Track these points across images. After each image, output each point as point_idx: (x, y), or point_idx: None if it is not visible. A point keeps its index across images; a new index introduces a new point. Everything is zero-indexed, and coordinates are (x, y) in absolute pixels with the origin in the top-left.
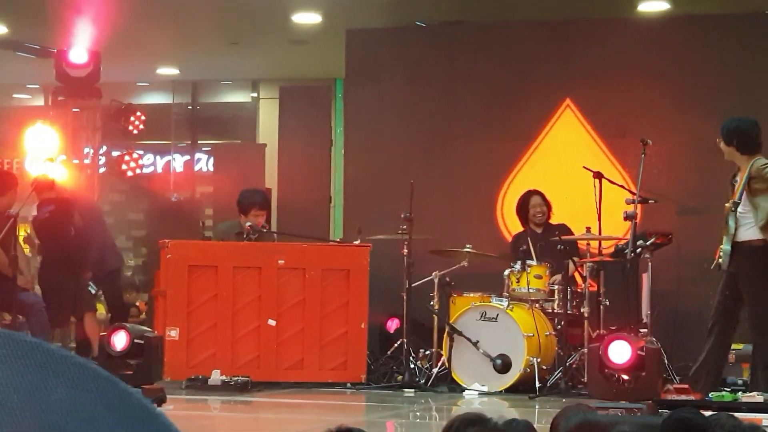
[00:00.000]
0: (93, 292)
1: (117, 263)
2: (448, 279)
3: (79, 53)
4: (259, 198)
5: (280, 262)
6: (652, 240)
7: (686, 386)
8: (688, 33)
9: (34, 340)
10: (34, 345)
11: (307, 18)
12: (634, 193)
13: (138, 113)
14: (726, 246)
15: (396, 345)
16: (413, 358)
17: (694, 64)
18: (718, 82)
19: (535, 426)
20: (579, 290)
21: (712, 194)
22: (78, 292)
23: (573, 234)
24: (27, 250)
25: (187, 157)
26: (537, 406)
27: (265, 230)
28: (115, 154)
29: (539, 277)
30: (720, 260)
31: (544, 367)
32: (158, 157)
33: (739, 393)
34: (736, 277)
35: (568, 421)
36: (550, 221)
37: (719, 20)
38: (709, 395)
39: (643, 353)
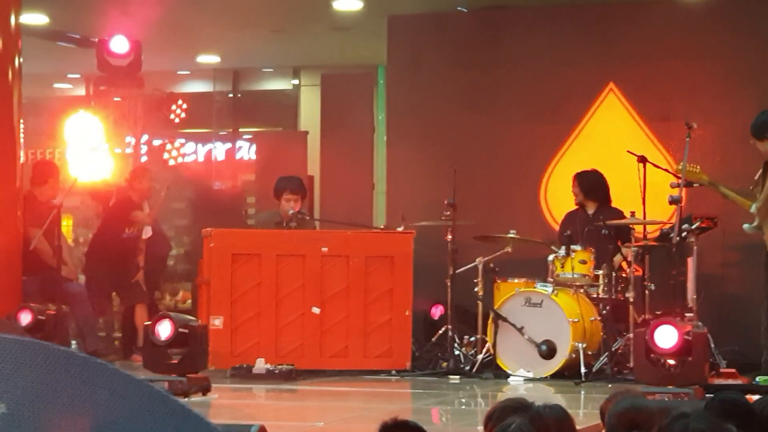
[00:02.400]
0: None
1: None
2: (492, 265)
3: (120, 42)
4: (290, 183)
5: (323, 249)
6: (698, 224)
7: (733, 371)
8: (731, 14)
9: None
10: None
11: (348, 4)
12: (678, 177)
13: (179, 102)
14: None
15: (441, 332)
16: (458, 344)
17: (737, 46)
18: (763, 64)
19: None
20: (624, 275)
21: None
22: (124, 282)
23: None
24: (70, 239)
25: (229, 146)
26: (583, 392)
27: (305, 217)
28: (156, 143)
29: (584, 262)
30: None
31: (590, 353)
32: (200, 146)
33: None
34: None
35: (616, 406)
36: (610, 204)
37: (763, 1)
38: (756, 379)
39: (690, 338)
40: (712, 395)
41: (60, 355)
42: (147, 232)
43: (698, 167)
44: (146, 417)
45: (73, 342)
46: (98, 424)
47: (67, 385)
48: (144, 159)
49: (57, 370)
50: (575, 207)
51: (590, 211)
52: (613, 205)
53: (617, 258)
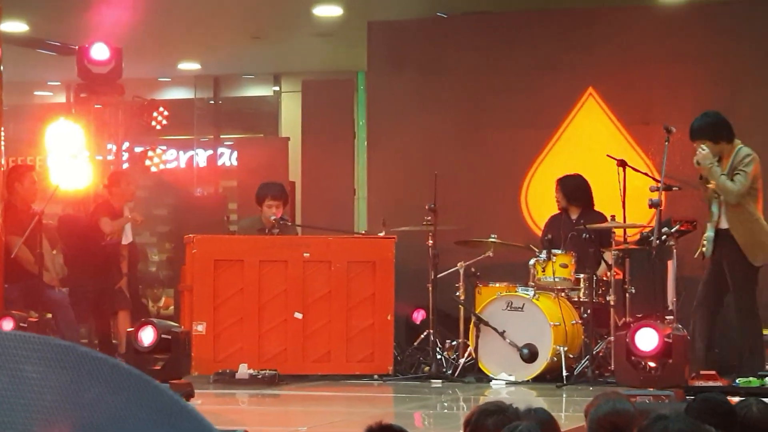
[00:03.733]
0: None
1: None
2: (473, 269)
3: (100, 50)
4: (272, 189)
5: (305, 255)
6: (677, 227)
7: (713, 373)
8: (710, 19)
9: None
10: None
11: (328, 11)
12: (658, 181)
13: (161, 109)
14: (710, 233)
15: (422, 336)
16: (440, 348)
17: (716, 50)
18: (741, 68)
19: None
20: (605, 279)
21: None
22: (108, 290)
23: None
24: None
25: (210, 152)
26: (564, 395)
27: (287, 223)
28: (138, 150)
29: (565, 266)
30: (704, 249)
31: (571, 356)
32: (181, 153)
33: (767, 378)
34: (720, 265)
35: (598, 409)
36: (593, 208)
37: (742, 6)
38: (737, 381)
39: (670, 340)
40: (692, 397)
41: (57, 347)
42: (127, 238)
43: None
44: (143, 408)
45: None
46: (93, 414)
47: (63, 377)
48: (125, 166)
49: (54, 361)
50: (558, 211)
51: (574, 215)
52: (597, 209)
53: (600, 269)
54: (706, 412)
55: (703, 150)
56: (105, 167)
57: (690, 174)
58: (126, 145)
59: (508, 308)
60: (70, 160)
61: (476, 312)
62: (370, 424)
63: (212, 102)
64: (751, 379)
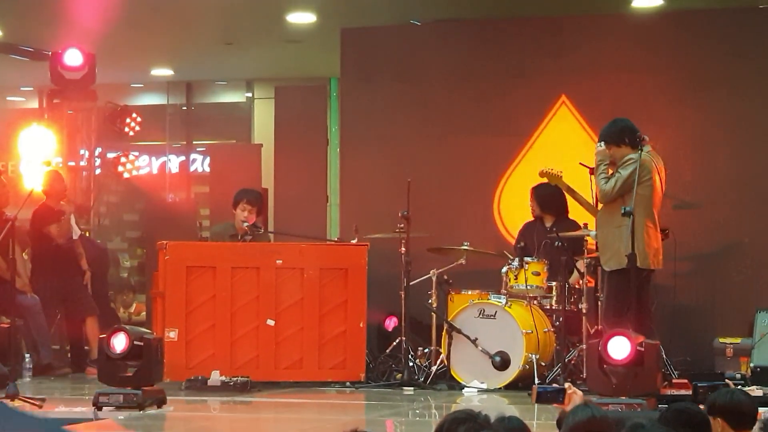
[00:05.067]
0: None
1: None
2: (446, 277)
3: (73, 55)
4: (249, 194)
5: (278, 262)
6: None
7: (685, 381)
8: (681, 28)
9: None
10: None
11: (301, 17)
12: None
13: (134, 114)
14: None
15: (395, 343)
16: (412, 356)
17: (687, 60)
18: (712, 77)
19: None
20: (577, 286)
21: (707, 188)
22: (72, 295)
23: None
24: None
25: (183, 158)
26: (536, 403)
27: (258, 230)
28: (110, 155)
29: (537, 273)
30: None
31: (543, 364)
32: (154, 158)
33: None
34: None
35: (575, 416)
36: (567, 216)
37: (713, 15)
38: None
39: (642, 349)
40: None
41: None
42: (75, 232)
43: (561, 172)
44: None
45: (27, 355)
46: None
47: None
48: (98, 171)
49: None
50: (532, 218)
51: (548, 223)
52: (571, 217)
53: (573, 277)
54: (679, 422)
55: (600, 146)
56: (77, 173)
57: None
58: (98, 150)
59: (481, 316)
60: (42, 165)
61: (448, 319)
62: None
63: (185, 108)
64: None
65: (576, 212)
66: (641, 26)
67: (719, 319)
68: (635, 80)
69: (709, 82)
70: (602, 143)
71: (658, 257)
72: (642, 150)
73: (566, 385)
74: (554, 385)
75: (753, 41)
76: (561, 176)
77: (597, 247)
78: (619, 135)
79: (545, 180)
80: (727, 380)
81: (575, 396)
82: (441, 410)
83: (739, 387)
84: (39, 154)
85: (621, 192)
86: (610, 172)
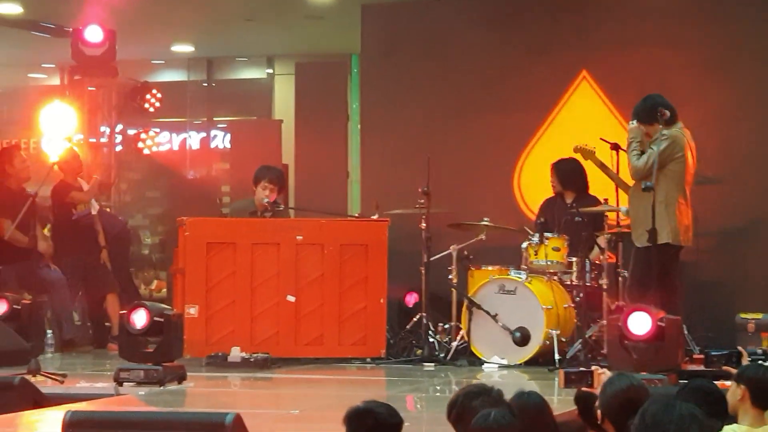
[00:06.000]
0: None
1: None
2: (466, 252)
3: (94, 32)
4: (271, 173)
5: (298, 238)
6: None
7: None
8: (704, 3)
9: None
10: None
11: None
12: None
13: (154, 91)
14: None
15: (415, 319)
16: (432, 332)
17: (710, 34)
18: (736, 51)
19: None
20: (597, 262)
21: (730, 164)
22: (93, 272)
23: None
24: (46, 229)
25: (204, 135)
26: (556, 379)
27: (278, 207)
28: (131, 132)
29: (557, 249)
30: None
31: (564, 340)
32: (174, 135)
33: (759, 362)
34: None
35: (612, 385)
36: (588, 192)
37: None
38: None
39: (663, 324)
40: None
41: None
42: (94, 208)
43: (595, 148)
44: None
45: (49, 331)
46: None
47: None
48: (119, 148)
49: None
50: (553, 194)
51: (569, 200)
52: (591, 193)
53: (593, 253)
54: (697, 399)
55: (632, 124)
56: (98, 149)
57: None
58: (119, 127)
59: (501, 291)
60: (63, 142)
61: (469, 295)
62: (350, 408)
63: (205, 84)
64: None
65: (596, 188)
66: (663, 1)
67: (741, 294)
68: (657, 55)
69: (732, 57)
70: (635, 120)
71: (688, 234)
72: (675, 126)
73: (594, 367)
74: (581, 368)
75: None
76: (594, 152)
77: (630, 223)
78: (650, 112)
79: (577, 155)
80: (739, 348)
81: (604, 377)
82: (461, 386)
83: (760, 362)
84: (60, 131)
85: (653, 169)
86: (642, 149)
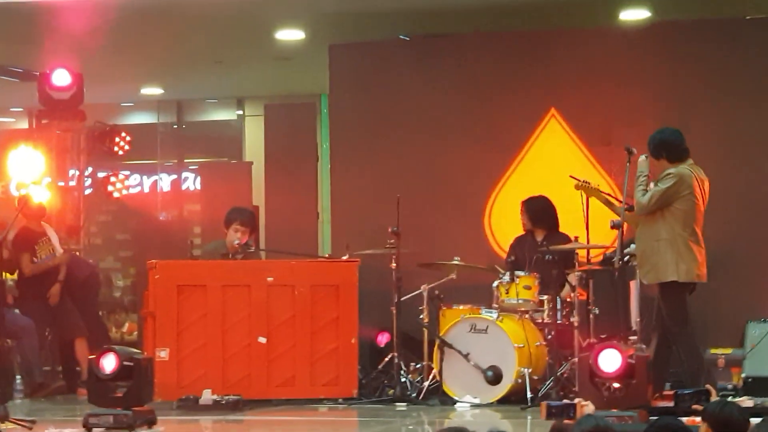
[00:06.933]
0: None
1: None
2: (437, 292)
3: (61, 75)
4: (242, 215)
5: (269, 279)
6: None
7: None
8: (669, 40)
9: None
10: None
11: (290, 35)
12: (620, 201)
13: (123, 134)
14: None
15: (387, 359)
16: (404, 371)
17: (676, 71)
18: (701, 88)
19: None
20: (568, 300)
21: None
22: (61, 316)
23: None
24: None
25: (174, 177)
26: (529, 417)
27: (250, 248)
28: (101, 175)
29: (528, 287)
30: None
31: (536, 378)
32: (145, 177)
33: (729, 398)
34: None
35: (580, 426)
36: (558, 230)
37: (700, 26)
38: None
39: (633, 361)
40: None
41: None
42: (58, 251)
43: (599, 184)
44: None
45: (18, 377)
46: None
47: None
48: (89, 191)
49: None
50: (524, 232)
51: (539, 237)
52: (560, 230)
53: (564, 291)
54: None
55: (642, 157)
56: (67, 193)
57: None
58: (89, 170)
59: (472, 330)
60: (32, 186)
61: (440, 335)
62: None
63: (175, 126)
64: None
65: (567, 226)
66: (629, 38)
67: (711, 330)
68: (624, 92)
69: (697, 93)
70: (645, 154)
71: (701, 270)
72: (684, 163)
73: (577, 399)
74: (564, 401)
75: (740, 52)
76: (598, 187)
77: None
78: (656, 148)
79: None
80: (707, 387)
81: (587, 409)
82: (434, 426)
83: (730, 398)
84: (28, 175)
85: (658, 206)
86: (650, 185)
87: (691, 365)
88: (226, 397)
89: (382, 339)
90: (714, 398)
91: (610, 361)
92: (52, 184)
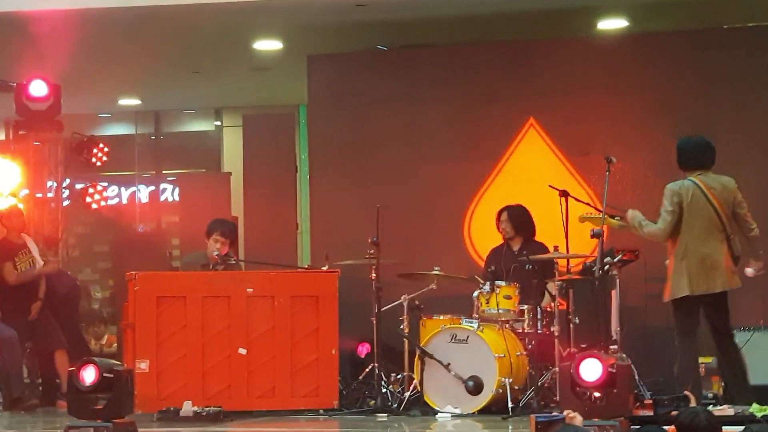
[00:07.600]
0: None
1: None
2: (417, 302)
3: (38, 86)
4: (223, 226)
5: (248, 290)
6: (620, 257)
7: None
8: (647, 50)
9: None
10: None
11: (268, 45)
12: (599, 210)
13: (101, 145)
14: None
15: (367, 370)
16: (385, 382)
17: (654, 81)
18: (678, 98)
19: None
20: (549, 309)
21: None
22: (40, 329)
23: (548, 253)
24: None
25: (152, 188)
26: (510, 427)
27: (230, 259)
28: (78, 186)
29: (508, 297)
30: None
31: (516, 387)
32: (123, 189)
33: (710, 406)
34: None
35: None
36: (535, 238)
37: (677, 37)
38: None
39: (614, 370)
40: (637, 427)
41: None
42: (38, 264)
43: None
44: None
45: None
46: None
47: None
48: (66, 203)
49: None
50: (500, 243)
51: (516, 246)
52: (537, 239)
53: (545, 300)
54: None
55: (630, 212)
56: (45, 204)
57: (630, 203)
58: (66, 181)
59: (453, 340)
60: (9, 198)
61: (421, 345)
62: None
63: (153, 137)
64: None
65: (545, 235)
66: (607, 49)
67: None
68: (602, 102)
69: (675, 102)
70: (630, 210)
71: (714, 277)
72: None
73: (566, 412)
74: (553, 414)
75: (717, 62)
76: (603, 216)
77: None
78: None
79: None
80: (686, 392)
81: (575, 421)
82: None
83: (710, 406)
84: (6, 186)
85: (672, 224)
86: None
87: (683, 379)
88: (207, 409)
89: (363, 350)
90: (692, 405)
91: (590, 370)
92: (30, 196)
